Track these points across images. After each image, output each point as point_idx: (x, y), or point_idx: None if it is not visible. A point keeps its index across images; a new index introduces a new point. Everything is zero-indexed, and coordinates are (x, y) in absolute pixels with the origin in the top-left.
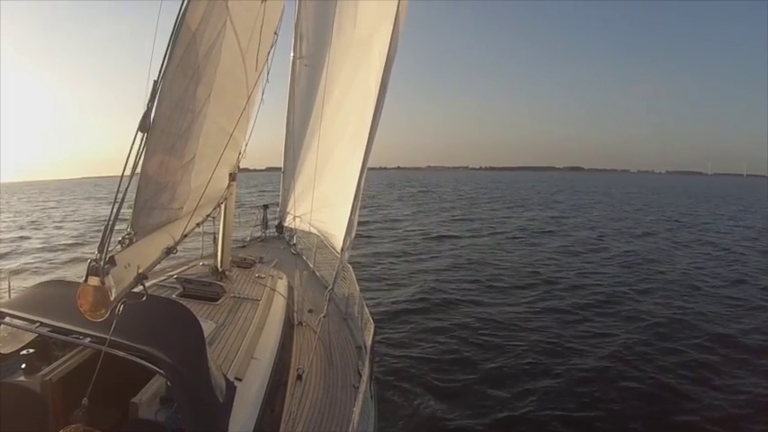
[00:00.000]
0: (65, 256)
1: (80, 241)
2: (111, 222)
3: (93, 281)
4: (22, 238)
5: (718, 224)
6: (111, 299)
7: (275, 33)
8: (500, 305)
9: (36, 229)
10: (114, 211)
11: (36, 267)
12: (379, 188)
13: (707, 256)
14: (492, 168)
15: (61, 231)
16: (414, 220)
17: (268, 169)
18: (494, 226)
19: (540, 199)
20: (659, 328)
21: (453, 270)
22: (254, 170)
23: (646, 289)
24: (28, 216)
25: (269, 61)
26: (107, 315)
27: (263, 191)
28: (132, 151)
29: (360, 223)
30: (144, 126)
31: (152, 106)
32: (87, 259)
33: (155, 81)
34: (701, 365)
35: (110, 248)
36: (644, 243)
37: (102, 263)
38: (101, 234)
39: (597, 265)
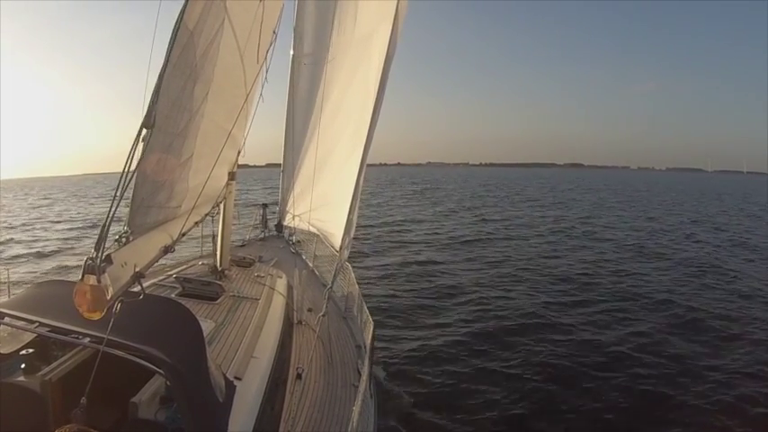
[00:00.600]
0: (48, 264)
1: (69, 245)
2: (108, 221)
3: (90, 279)
4: (10, 240)
5: (749, 224)
6: (108, 297)
7: (274, 32)
8: (557, 319)
9: (26, 230)
10: (113, 209)
11: (19, 278)
12: (382, 186)
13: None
14: (492, 165)
15: (49, 234)
16: (433, 221)
17: (268, 165)
18: (520, 227)
19: (555, 197)
20: (753, 355)
21: (488, 275)
22: (254, 166)
23: (722, 302)
24: (21, 216)
25: (268, 60)
26: (104, 314)
27: (266, 187)
28: (135, 148)
29: (382, 224)
30: (148, 122)
31: (156, 100)
32: (70, 267)
33: (159, 76)
34: None
35: (107, 247)
36: (690, 247)
37: (98, 261)
38: (98, 232)
39: (660, 273)
